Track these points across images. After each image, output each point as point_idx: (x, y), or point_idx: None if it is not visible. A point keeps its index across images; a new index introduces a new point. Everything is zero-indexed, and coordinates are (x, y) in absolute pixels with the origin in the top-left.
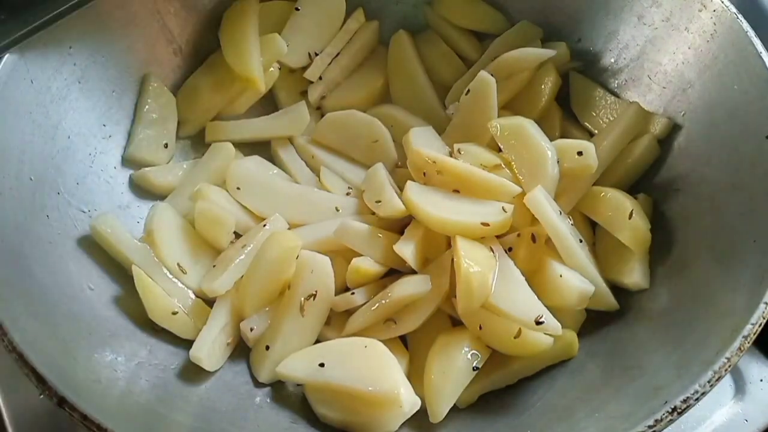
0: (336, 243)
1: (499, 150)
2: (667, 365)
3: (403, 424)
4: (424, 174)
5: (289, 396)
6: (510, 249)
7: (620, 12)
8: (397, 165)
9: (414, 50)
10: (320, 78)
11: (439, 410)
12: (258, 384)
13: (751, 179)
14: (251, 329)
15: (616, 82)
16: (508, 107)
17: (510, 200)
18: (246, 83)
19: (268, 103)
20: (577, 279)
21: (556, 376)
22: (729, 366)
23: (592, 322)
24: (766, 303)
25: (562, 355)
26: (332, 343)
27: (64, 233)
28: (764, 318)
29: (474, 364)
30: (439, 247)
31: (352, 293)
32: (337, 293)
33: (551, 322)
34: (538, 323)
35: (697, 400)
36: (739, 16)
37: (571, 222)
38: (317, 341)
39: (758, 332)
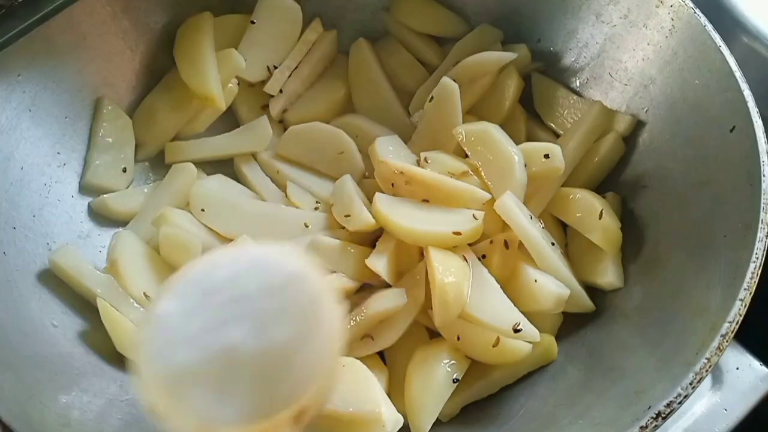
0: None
1: (466, 156)
2: (647, 367)
3: None
4: (393, 185)
5: None
6: (483, 256)
7: (578, 11)
8: (364, 176)
9: (375, 58)
10: (281, 91)
11: (423, 425)
12: None
13: (718, 173)
14: None
15: (578, 81)
16: (473, 112)
17: (480, 207)
18: (204, 101)
19: (229, 120)
20: (553, 283)
21: (537, 383)
22: (710, 366)
23: (569, 324)
24: (741, 300)
25: (541, 361)
26: None
27: (23, 269)
28: (741, 315)
29: (454, 376)
30: (412, 259)
31: None
32: None
33: (529, 329)
34: (516, 331)
35: (681, 403)
36: (697, 10)
37: (542, 225)
38: None
39: (736, 330)
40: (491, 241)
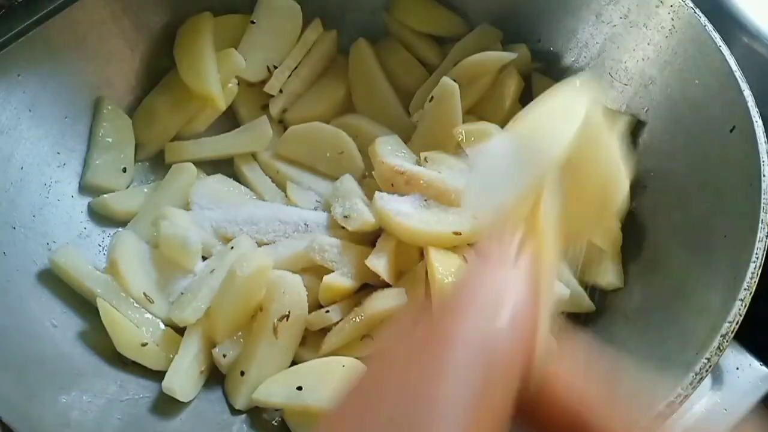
0: (307, 260)
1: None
2: (647, 367)
3: None
4: (392, 185)
5: (268, 422)
6: None
7: (578, 11)
8: (364, 175)
9: (375, 58)
10: (281, 91)
11: None
12: (235, 411)
13: (718, 174)
14: (224, 356)
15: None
16: (473, 112)
17: None
18: (204, 101)
19: (229, 120)
20: None
21: None
22: (710, 366)
23: (569, 325)
24: (741, 300)
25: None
26: (309, 365)
27: (23, 269)
28: (741, 315)
29: None
30: (412, 259)
31: (327, 311)
32: (310, 311)
33: None
34: None
35: (681, 403)
36: (697, 10)
37: None
38: (293, 363)
39: (736, 330)
40: None
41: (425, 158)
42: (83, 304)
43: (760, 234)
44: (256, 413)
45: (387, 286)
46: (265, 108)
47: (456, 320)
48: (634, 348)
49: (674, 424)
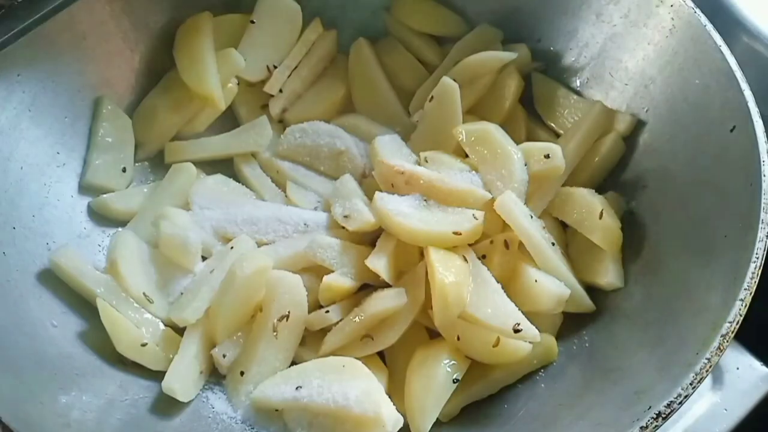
0: (307, 260)
1: (466, 156)
2: (647, 367)
3: None
4: (392, 185)
5: (268, 421)
6: (484, 256)
7: (578, 10)
8: (364, 175)
9: (375, 58)
10: (280, 91)
11: (423, 426)
12: (235, 411)
13: (718, 173)
14: (224, 356)
15: (579, 80)
16: (473, 112)
17: (480, 207)
18: (204, 101)
19: (229, 120)
20: (553, 283)
21: (537, 383)
22: (710, 366)
23: (570, 324)
24: (741, 300)
25: (542, 361)
26: (309, 365)
27: (23, 269)
28: (741, 315)
29: (454, 376)
30: (412, 259)
31: (327, 311)
32: (310, 311)
33: (529, 329)
34: (516, 331)
35: (681, 403)
36: (697, 10)
37: (543, 225)
38: (293, 363)
39: (736, 330)
40: (491, 241)
41: (425, 158)
42: (83, 304)
43: (760, 234)
44: (256, 413)
45: (387, 286)
46: (264, 108)
47: None
48: (634, 348)
49: (674, 424)
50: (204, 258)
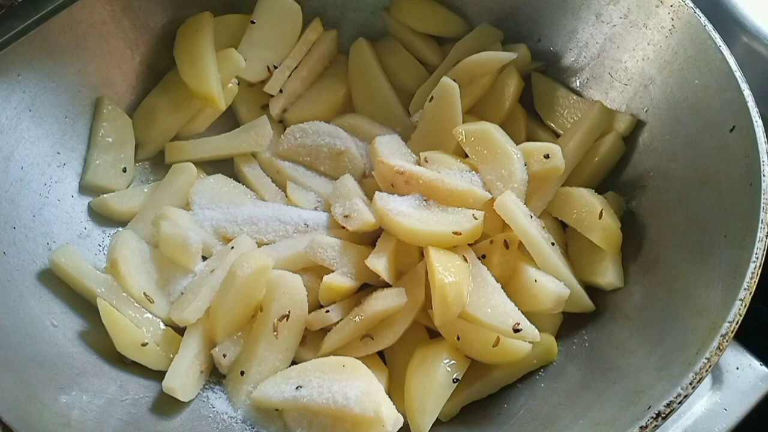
0: (307, 260)
1: (466, 156)
2: (647, 367)
3: None
4: (392, 185)
5: (269, 421)
6: (483, 256)
7: (578, 11)
8: (364, 175)
9: (374, 58)
10: (281, 91)
11: (423, 425)
12: (235, 411)
13: (717, 173)
14: (224, 355)
15: (578, 80)
16: (473, 112)
17: (480, 207)
18: (204, 101)
19: (229, 120)
20: (553, 283)
21: (537, 382)
22: (710, 366)
23: (569, 324)
24: (741, 300)
25: (542, 361)
26: (309, 364)
27: (23, 269)
28: (741, 315)
29: (454, 376)
30: (411, 258)
31: (327, 311)
32: (310, 311)
33: (529, 329)
34: (516, 330)
35: (680, 403)
36: (697, 10)
37: (542, 225)
38: (293, 363)
39: (736, 330)
40: (491, 241)
41: (425, 158)
42: (83, 304)
43: (760, 234)
44: (256, 412)
45: (387, 286)
46: (265, 108)
47: None
48: (634, 348)
49: (674, 424)
50: (204, 258)
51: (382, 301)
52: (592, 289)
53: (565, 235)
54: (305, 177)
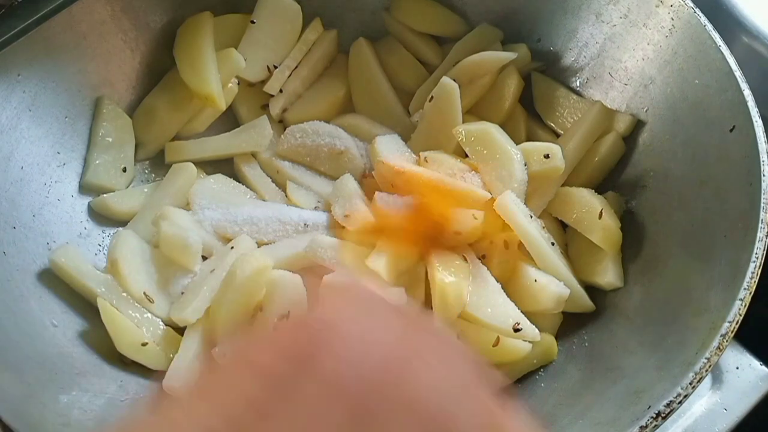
0: (307, 260)
1: (466, 156)
2: (647, 367)
3: None
4: (392, 185)
5: None
6: (483, 256)
7: (578, 10)
8: (364, 175)
9: (375, 58)
10: (281, 91)
11: None
12: None
13: (717, 173)
14: (224, 355)
15: (578, 80)
16: (473, 112)
17: (480, 207)
18: (204, 101)
19: (229, 120)
20: (553, 283)
21: (536, 382)
22: (710, 366)
23: (569, 324)
24: (741, 300)
25: (542, 360)
26: None
27: (23, 269)
28: (741, 315)
29: None
30: (412, 259)
31: None
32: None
33: (529, 329)
34: (516, 330)
35: (680, 403)
36: (697, 10)
37: (542, 225)
38: None
39: (736, 329)
40: (491, 241)
41: (425, 158)
42: (83, 304)
43: (760, 234)
44: None
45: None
46: (264, 108)
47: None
48: (634, 347)
49: (674, 424)
50: (204, 258)
51: None
52: (592, 289)
53: (565, 235)
54: (305, 177)
